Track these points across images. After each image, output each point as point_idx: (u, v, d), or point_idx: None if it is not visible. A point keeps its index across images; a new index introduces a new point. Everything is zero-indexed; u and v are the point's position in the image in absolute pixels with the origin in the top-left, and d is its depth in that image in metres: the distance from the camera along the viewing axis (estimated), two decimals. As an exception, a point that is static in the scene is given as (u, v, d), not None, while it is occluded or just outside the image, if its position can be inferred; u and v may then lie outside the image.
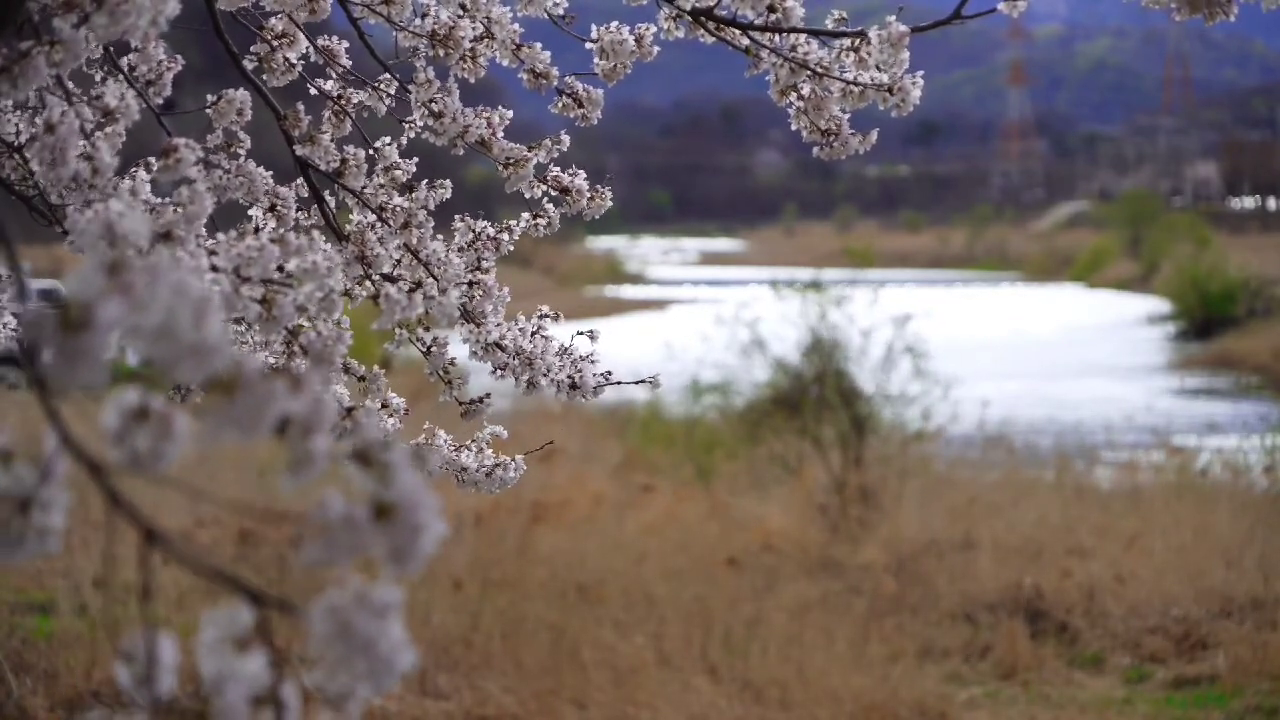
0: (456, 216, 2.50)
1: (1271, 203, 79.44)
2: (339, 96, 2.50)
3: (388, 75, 2.52)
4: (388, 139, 2.47)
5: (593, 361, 2.52)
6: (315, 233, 2.32)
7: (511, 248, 2.50)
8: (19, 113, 2.22)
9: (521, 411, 14.05)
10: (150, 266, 0.99)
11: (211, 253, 1.82)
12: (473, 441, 2.55)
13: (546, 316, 2.52)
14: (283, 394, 1.00)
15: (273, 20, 2.45)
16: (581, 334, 2.53)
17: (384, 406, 2.50)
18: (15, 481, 1.01)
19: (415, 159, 2.48)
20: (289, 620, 1.00)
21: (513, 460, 2.56)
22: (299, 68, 2.47)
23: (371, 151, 2.47)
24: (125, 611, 7.14)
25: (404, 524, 0.99)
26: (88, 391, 1.02)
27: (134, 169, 2.03)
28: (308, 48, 2.48)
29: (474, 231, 2.49)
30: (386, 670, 0.99)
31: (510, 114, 2.45)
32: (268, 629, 0.98)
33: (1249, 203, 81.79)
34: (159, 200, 1.98)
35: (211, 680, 0.97)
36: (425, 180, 2.46)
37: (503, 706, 7.09)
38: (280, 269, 1.84)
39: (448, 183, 2.46)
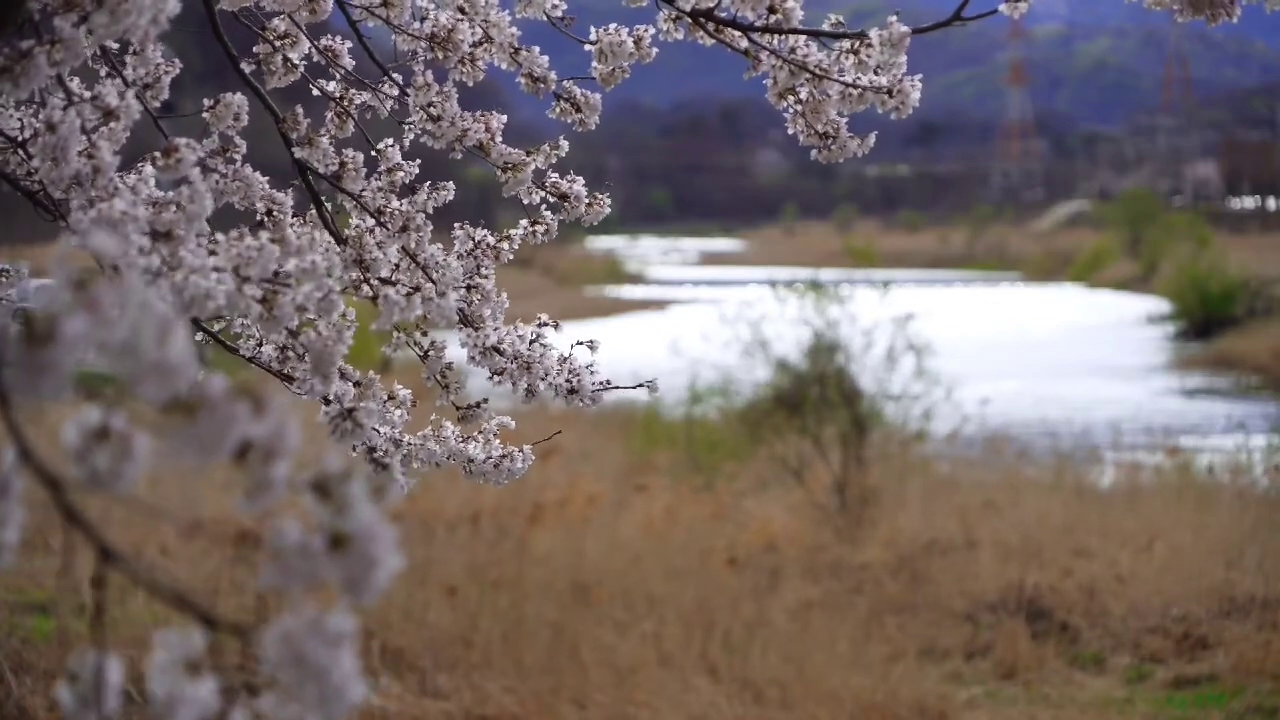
0: (456, 224, 2.50)
1: (1271, 203, 79.40)
2: (341, 97, 2.49)
3: (390, 78, 2.51)
4: (390, 141, 2.47)
5: (592, 372, 2.52)
6: (316, 231, 2.31)
7: (511, 256, 2.50)
8: (22, 108, 2.22)
9: (521, 411, 13.99)
10: (117, 282, 0.98)
11: (212, 253, 1.82)
12: (480, 432, 2.55)
13: (546, 325, 2.52)
14: (245, 417, 1.00)
15: (275, 21, 2.44)
16: (581, 344, 2.52)
17: (391, 398, 2.50)
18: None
19: (418, 160, 2.48)
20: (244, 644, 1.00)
21: (520, 451, 2.55)
22: (301, 68, 2.46)
23: (374, 153, 2.47)
24: (121, 613, 7.12)
25: (359, 556, 0.99)
26: (58, 404, 1.02)
27: (140, 163, 2.03)
28: (310, 49, 2.48)
29: (474, 240, 2.48)
30: (337, 699, 0.98)
31: (504, 119, 2.45)
32: (220, 652, 0.98)
33: (1249, 203, 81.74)
34: (161, 195, 1.98)
35: (161, 703, 0.97)
36: (428, 183, 2.45)
37: (503, 706, 7.09)
38: (278, 271, 1.84)
39: (450, 185, 2.46)
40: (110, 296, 0.98)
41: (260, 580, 0.99)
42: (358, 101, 2.50)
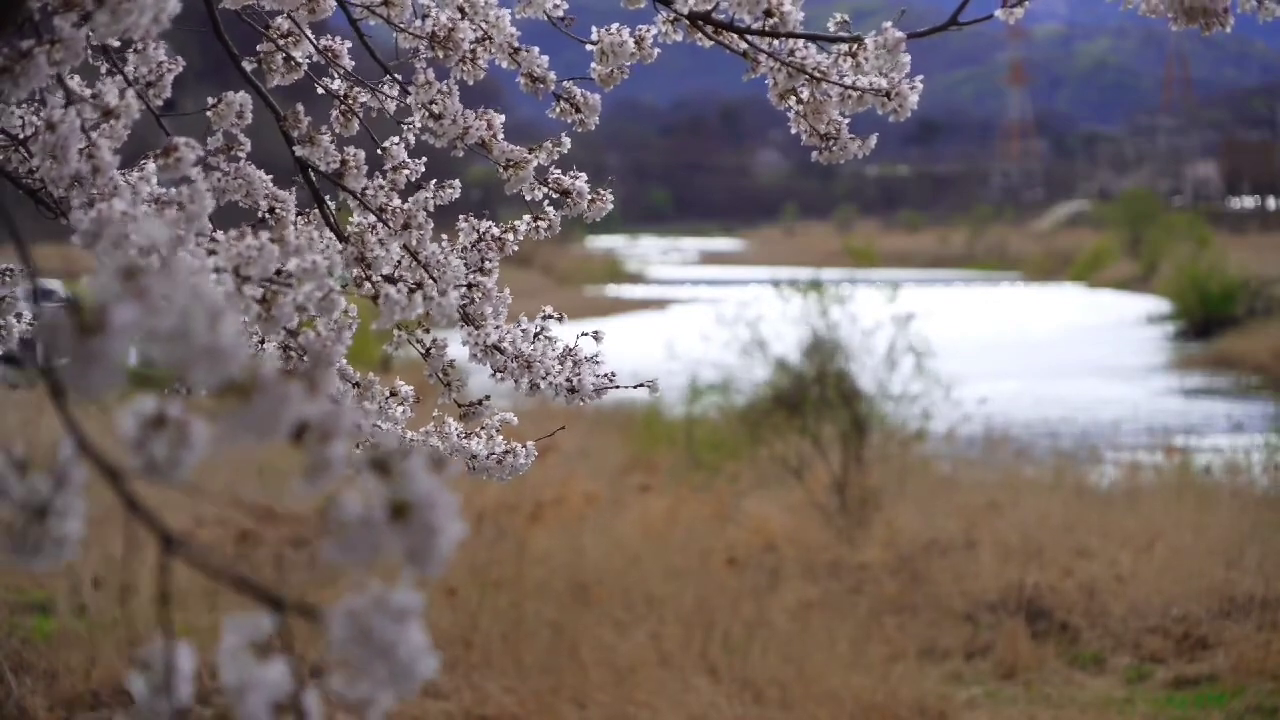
0: (461, 217, 2.50)
1: (1271, 203, 79.38)
2: (346, 96, 2.49)
3: (391, 76, 2.51)
4: (396, 139, 2.47)
5: (597, 363, 2.52)
6: (316, 230, 2.31)
7: (516, 248, 2.50)
8: (23, 106, 2.22)
9: (522, 409, 13.97)
10: (166, 270, 0.98)
11: (211, 253, 1.82)
12: (483, 429, 2.55)
13: (550, 317, 2.52)
14: (300, 398, 0.99)
15: (278, 20, 2.44)
16: (586, 335, 2.52)
17: (393, 394, 2.50)
18: (31, 490, 1.00)
19: (424, 159, 2.48)
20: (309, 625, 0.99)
21: (523, 447, 2.55)
22: (304, 67, 2.47)
23: (380, 151, 2.47)
24: (124, 613, 7.13)
25: (421, 525, 0.98)
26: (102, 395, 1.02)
27: (142, 161, 2.03)
28: (312, 48, 2.48)
29: (478, 232, 2.48)
30: (407, 675, 0.98)
31: (502, 118, 2.45)
32: (288, 635, 0.98)
33: (1249, 203, 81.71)
34: (164, 192, 1.98)
35: (233, 688, 0.97)
36: (434, 180, 2.46)
37: (503, 706, 7.09)
38: (280, 270, 1.84)
39: (456, 183, 2.46)
40: (159, 284, 0.98)
41: (322, 557, 0.99)
42: (361, 100, 2.50)
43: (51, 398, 1.01)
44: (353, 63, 2.53)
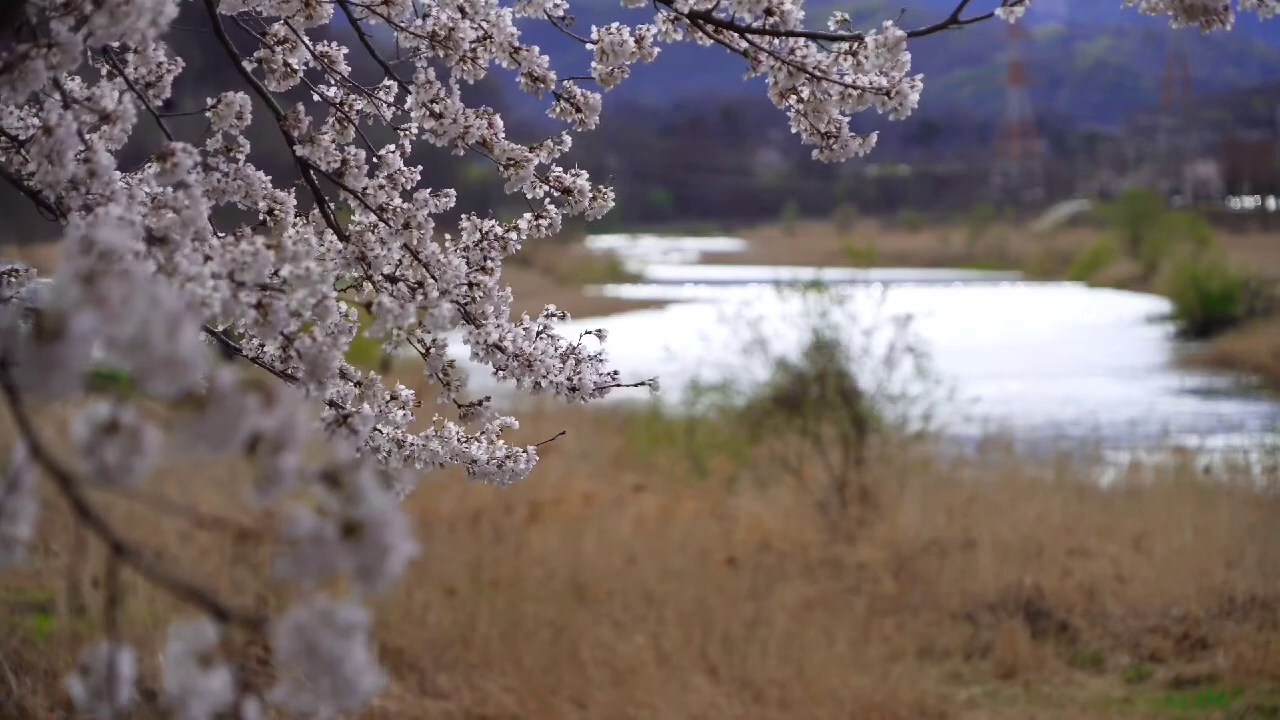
0: (463, 215, 2.50)
1: (1271, 203, 79.39)
2: (341, 103, 2.49)
3: (389, 83, 2.51)
4: (391, 147, 2.47)
5: (601, 361, 2.52)
6: (311, 236, 2.31)
7: (519, 247, 2.50)
8: (24, 107, 2.22)
9: (521, 411, 13.93)
10: (126, 278, 0.98)
11: (207, 258, 1.82)
12: (483, 433, 2.55)
13: (553, 316, 2.52)
14: (254, 410, 0.99)
15: (275, 26, 2.44)
16: (589, 333, 2.52)
17: (393, 398, 2.49)
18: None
19: (419, 166, 2.47)
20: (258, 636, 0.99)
21: (524, 451, 2.55)
22: (300, 73, 2.46)
23: (375, 159, 2.47)
24: (122, 614, 7.13)
25: (372, 543, 0.98)
26: (68, 402, 1.01)
27: (146, 164, 2.03)
28: (308, 55, 2.48)
29: (480, 231, 2.48)
30: (351, 691, 0.98)
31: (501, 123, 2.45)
32: (233, 645, 0.98)
33: (1249, 202, 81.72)
34: (162, 193, 1.98)
35: (174, 695, 0.97)
36: (429, 189, 2.45)
37: (502, 706, 7.09)
38: (275, 274, 1.84)
39: (451, 191, 2.46)
40: (119, 292, 0.97)
41: (275, 573, 0.99)
42: (358, 107, 2.50)
43: (8, 401, 1.00)
44: (349, 69, 2.53)
